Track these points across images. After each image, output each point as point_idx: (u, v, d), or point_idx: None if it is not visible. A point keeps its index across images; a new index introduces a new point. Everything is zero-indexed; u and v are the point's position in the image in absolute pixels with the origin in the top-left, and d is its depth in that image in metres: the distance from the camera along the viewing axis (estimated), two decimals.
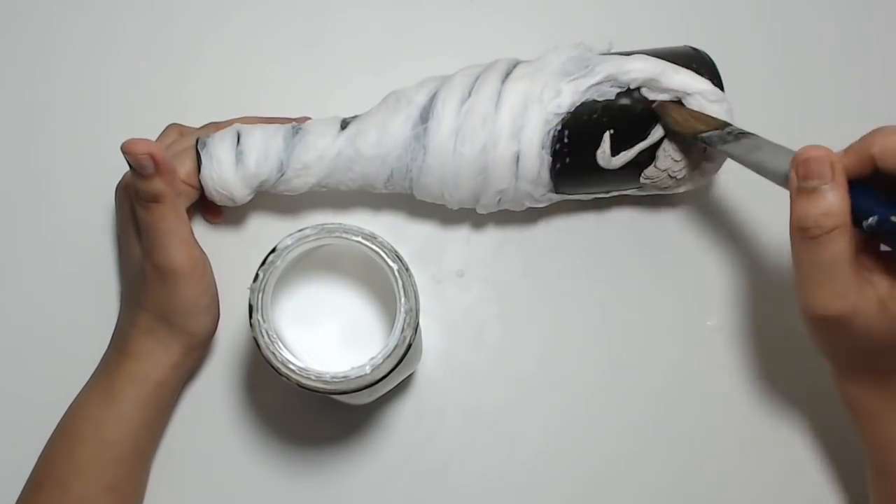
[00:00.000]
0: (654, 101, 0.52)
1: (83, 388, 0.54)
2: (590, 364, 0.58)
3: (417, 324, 0.45)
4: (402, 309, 0.45)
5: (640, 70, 0.52)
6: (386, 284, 0.46)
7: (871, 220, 0.42)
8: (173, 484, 0.56)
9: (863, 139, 0.44)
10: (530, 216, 0.59)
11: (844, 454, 0.56)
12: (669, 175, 0.54)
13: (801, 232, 0.44)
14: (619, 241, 0.60)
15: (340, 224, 0.46)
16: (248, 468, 0.57)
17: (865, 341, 0.45)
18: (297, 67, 0.62)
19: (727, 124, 0.51)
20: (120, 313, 0.56)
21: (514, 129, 0.52)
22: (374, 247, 0.45)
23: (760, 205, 0.59)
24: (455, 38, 0.63)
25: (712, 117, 0.52)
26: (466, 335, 0.59)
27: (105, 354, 0.54)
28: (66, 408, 0.53)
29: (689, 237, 0.59)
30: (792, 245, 0.45)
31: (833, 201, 0.43)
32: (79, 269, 0.59)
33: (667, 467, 0.57)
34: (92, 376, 0.54)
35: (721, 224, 0.60)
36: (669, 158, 0.53)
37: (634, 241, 0.59)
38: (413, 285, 0.45)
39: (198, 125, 0.57)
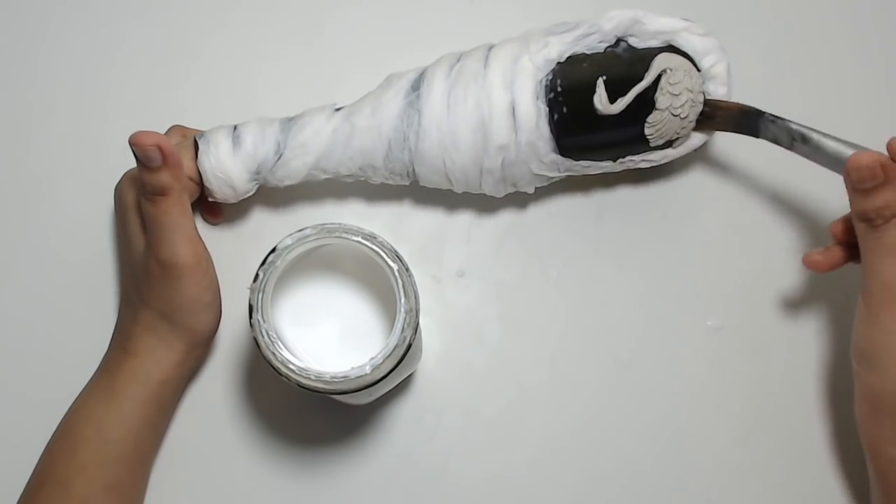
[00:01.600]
0: (645, 48, 0.53)
1: (85, 387, 0.54)
2: (590, 364, 0.58)
3: (417, 324, 0.45)
4: (402, 309, 0.45)
5: (620, 15, 0.53)
6: (386, 284, 0.46)
7: None
8: (173, 484, 0.56)
9: None
10: (531, 216, 0.59)
11: (845, 454, 0.56)
12: (672, 114, 0.53)
13: (867, 223, 0.48)
14: (619, 241, 0.60)
15: (340, 224, 0.46)
16: (248, 468, 0.57)
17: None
18: (296, 67, 0.62)
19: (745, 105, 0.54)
20: (120, 312, 0.56)
21: (505, 80, 0.53)
22: (374, 247, 0.45)
23: (761, 205, 0.59)
24: (455, 37, 0.62)
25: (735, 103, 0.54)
26: (466, 335, 0.59)
27: (106, 353, 0.54)
28: (67, 407, 0.53)
29: (690, 237, 0.59)
30: (857, 232, 0.49)
31: (889, 196, 0.47)
32: (79, 268, 0.59)
33: (666, 467, 0.57)
34: (93, 375, 0.54)
35: (721, 224, 0.60)
36: (668, 94, 0.53)
37: (634, 241, 0.59)
38: (413, 285, 0.45)
39: (197, 124, 0.57)
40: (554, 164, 0.54)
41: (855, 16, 0.63)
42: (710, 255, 0.59)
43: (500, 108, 0.53)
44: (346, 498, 0.57)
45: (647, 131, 0.54)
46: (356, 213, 0.60)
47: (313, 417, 0.57)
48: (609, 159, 0.55)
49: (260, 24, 0.63)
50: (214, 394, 0.57)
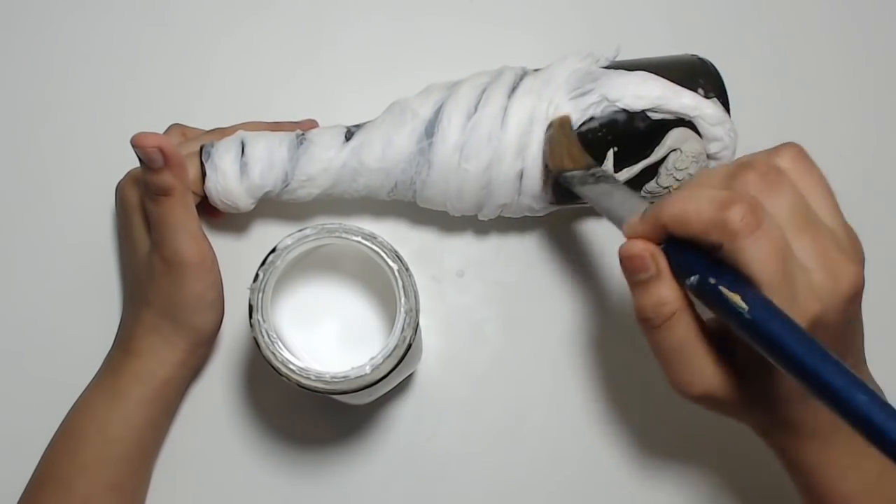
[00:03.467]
0: (660, 120, 0.52)
1: (87, 387, 0.54)
2: (590, 363, 0.58)
3: (417, 324, 0.45)
4: (402, 309, 0.45)
5: (641, 96, 0.52)
6: (386, 284, 0.46)
7: (692, 279, 0.40)
8: (173, 483, 0.56)
9: (654, 207, 0.41)
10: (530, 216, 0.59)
11: None
12: (671, 192, 0.53)
13: (645, 323, 0.42)
14: (619, 240, 0.59)
15: (340, 224, 0.46)
16: (248, 468, 0.57)
17: (747, 411, 0.43)
18: (302, 70, 0.62)
19: (593, 164, 0.49)
20: (123, 312, 0.56)
21: (519, 147, 0.52)
22: (374, 247, 0.45)
23: None
24: (456, 37, 0.63)
25: (584, 154, 0.50)
26: (466, 335, 0.59)
27: (109, 353, 0.54)
28: (69, 407, 0.53)
29: None
30: (644, 335, 0.43)
31: (664, 291, 0.41)
32: (81, 268, 0.59)
33: (666, 467, 0.57)
34: (96, 375, 0.54)
35: None
36: (672, 177, 0.53)
37: None
38: (413, 285, 0.45)
39: (198, 125, 0.57)
40: (547, 210, 0.55)
41: (848, 41, 0.63)
42: None
43: (510, 174, 0.52)
44: (346, 498, 0.57)
45: (642, 193, 0.54)
46: (357, 214, 0.60)
47: (313, 417, 0.57)
48: None
49: (267, 29, 0.63)
50: (215, 393, 0.57)
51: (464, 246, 0.59)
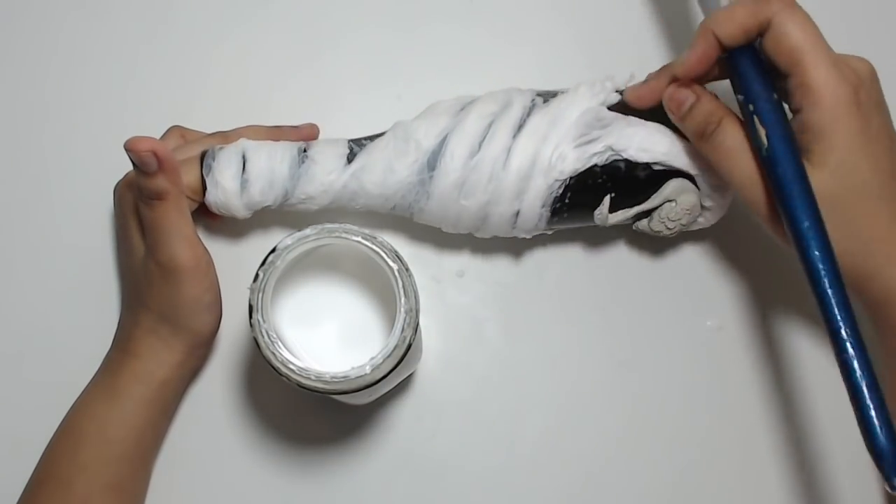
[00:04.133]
0: (661, 170, 0.53)
1: (86, 388, 0.54)
2: (590, 364, 0.58)
3: (417, 324, 0.45)
4: (402, 309, 0.45)
5: (647, 150, 0.52)
6: (386, 284, 0.46)
7: (739, 97, 0.48)
8: (173, 483, 0.56)
9: (703, 22, 0.49)
10: None
11: (845, 454, 0.56)
12: (660, 236, 0.55)
13: (700, 138, 0.50)
14: (619, 240, 0.60)
15: (340, 224, 0.46)
16: (248, 468, 0.57)
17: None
18: (302, 73, 0.61)
19: None
20: (122, 314, 0.56)
21: (519, 190, 0.52)
22: (374, 247, 0.45)
23: None
24: (456, 37, 0.62)
25: None
26: (466, 335, 0.59)
27: (108, 354, 0.54)
28: (68, 407, 0.53)
29: (689, 237, 0.59)
30: (703, 153, 0.50)
31: (706, 106, 0.49)
32: (80, 269, 0.59)
33: (666, 467, 0.57)
34: (95, 376, 0.54)
35: (721, 224, 0.60)
36: (663, 225, 0.54)
37: (634, 241, 0.59)
38: (413, 285, 0.45)
39: (198, 127, 0.57)
40: (540, 233, 0.56)
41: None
42: (710, 254, 0.59)
43: (506, 215, 0.53)
44: (346, 498, 0.57)
45: (633, 227, 0.55)
46: (357, 214, 0.60)
47: (313, 417, 0.57)
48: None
49: (262, 27, 0.62)
50: (214, 394, 0.57)
51: (464, 246, 0.59)
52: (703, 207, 0.54)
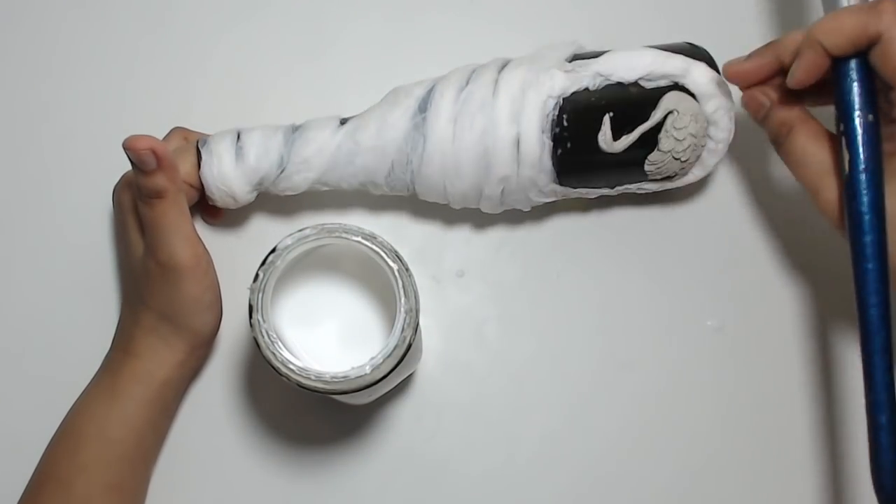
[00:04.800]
0: (654, 87, 0.53)
1: (86, 388, 0.54)
2: (590, 364, 0.58)
3: (417, 324, 0.45)
4: (402, 309, 0.45)
5: (633, 67, 0.52)
6: (386, 284, 0.46)
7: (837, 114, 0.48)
8: (173, 483, 0.56)
9: (810, 28, 0.47)
10: (530, 215, 0.59)
11: (846, 454, 0.56)
12: (674, 157, 0.53)
13: (775, 144, 0.51)
14: (619, 240, 0.60)
15: (340, 224, 0.46)
16: (248, 468, 0.57)
17: None
18: (301, 70, 0.62)
19: None
20: (122, 313, 0.56)
21: (513, 112, 0.52)
22: (374, 247, 0.45)
23: (760, 204, 0.59)
24: (456, 37, 0.62)
25: None
26: (466, 335, 0.59)
27: (108, 354, 0.54)
28: (68, 407, 0.53)
29: (689, 237, 0.59)
30: (783, 156, 0.51)
31: (780, 114, 0.50)
32: (79, 268, 0.59)
33: (666, 467, 0.57)
34: (95, 375, 0.54)
35: (721, 224, 0.60)
36: (672, 139, 0.53)
37: (634, 241, 0.59)
38: (413, 285, 0.45)
39: (200, 127, 0.57)
40: (552, 192, 0.55)
41: None
42: (710, 254, 0.59)
43: (506, 140, 0.52)
44: (346, 498, 0.57)
45: (646, 168, 0.54)
46: (357, 214, 0.60)
47: (313, 417, 0.57)
48: (607, 187, 0.56)
49: (265, 32, 0.62)
50: (214, 394, 0.57)
51: (464, 246, 0.59)
52: (709, 125, 0.53)
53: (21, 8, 0.63)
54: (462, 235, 0.59)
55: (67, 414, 0.53)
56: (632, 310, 0.59)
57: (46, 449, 0.53)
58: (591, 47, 0.55)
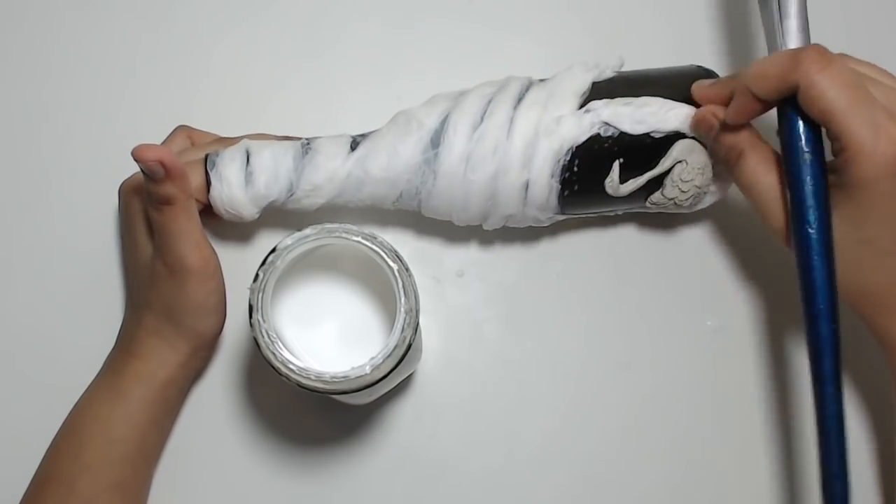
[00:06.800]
0: (664, 136, 0.53)
1: (89, 388, 0.54)
2: (589, 364, 0.58)
3: (417, 324, 0.45)
4: (402, 309, 0.45)
5: (641, 121, 0.52)
6: (386, 284, 0.46)
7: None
8: (173, 483, 0.56)
9: (737, 72, 0.49)
10: None
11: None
12: (675, 203, 0.54)
13: (726, 165, 0.51)
14: (619, 240, 0.60)
15: (340, 224, 0.46)
16: (248, 468, 0.57)
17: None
18: (303, 72, 0.61)
19: None
20: (125, 313, 0.56)
21: (525, 158, 0.52)
22: (374, 247, 0.45)
23: None
24: (456, 37, 0.62)
25: None
26: (466, 335, 0.59)
27: (110, 355, 0.54)
28: (70, 408, 0.53)
29: (689, 237, 0.59)
30: (734, 179, 0.51)
31: (729, 138, 0.50)
32: (82, 269, 0.59)
33: (666, 467, 0.57)
34: (97, 376, 0.54)
35: (721, 223, 0.60)
36: (677, 189, 0.53)
37: (634, 241, 0.59)
38: (413, 285, 0.45)
39: (201, 127, 0.57)
40: (552, 220, 0.56)
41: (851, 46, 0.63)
42: (711, 254, 0.59)
43: (516, 186, 0.52)
44: (346, 498, 0.57)
45: (647, 204, 0.54)
46: (357, 214, 0.60)
47: (313, 417, 0.57)
48: (607, 212, 0.57)
49: (262, 27, 0.62)
50: (215, 394, 0.57)
51: (464, 246, 0.59)
52: (714, 173, 0.54)
53: (21, 8, 0.63)
54: (463, 235, 0.60)
55: (70, 414, 0.53)
56: (631, 309, 0.59)
57: (49, 449, 0.53)
58: (593, 52, 0.55)
